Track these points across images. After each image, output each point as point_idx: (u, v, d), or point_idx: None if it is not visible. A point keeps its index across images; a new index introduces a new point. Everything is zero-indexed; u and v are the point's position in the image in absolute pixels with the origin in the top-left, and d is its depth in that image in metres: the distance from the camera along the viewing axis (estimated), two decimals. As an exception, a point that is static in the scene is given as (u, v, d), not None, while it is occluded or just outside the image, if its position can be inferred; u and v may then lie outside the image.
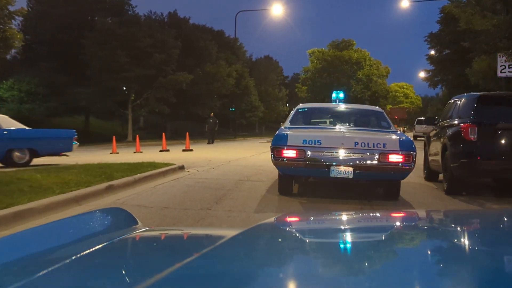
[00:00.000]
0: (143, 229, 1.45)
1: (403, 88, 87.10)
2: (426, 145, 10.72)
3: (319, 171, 6.99)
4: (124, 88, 37.06)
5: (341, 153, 6.86)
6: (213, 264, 1.02)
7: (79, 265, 1.10)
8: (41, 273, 0.99)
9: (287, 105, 75.05)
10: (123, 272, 1.09)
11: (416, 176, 11.36)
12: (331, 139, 7.06)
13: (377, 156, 6.77)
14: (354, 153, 6.84)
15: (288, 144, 6.94)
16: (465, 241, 1.28)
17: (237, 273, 0.97)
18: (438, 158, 9.08)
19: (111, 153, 19.63)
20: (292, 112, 8.99)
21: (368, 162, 6.81)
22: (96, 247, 1.21)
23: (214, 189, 8.33)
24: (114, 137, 21.13)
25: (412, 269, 1.01)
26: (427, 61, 34.81)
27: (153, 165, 10.65)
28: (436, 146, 9.50)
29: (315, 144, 6.90)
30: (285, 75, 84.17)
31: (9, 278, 1.01)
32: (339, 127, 8.12)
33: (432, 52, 60.87)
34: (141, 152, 19.77)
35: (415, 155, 6.88)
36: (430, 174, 10.38)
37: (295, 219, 1.87)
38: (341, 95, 12.01)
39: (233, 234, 1.28)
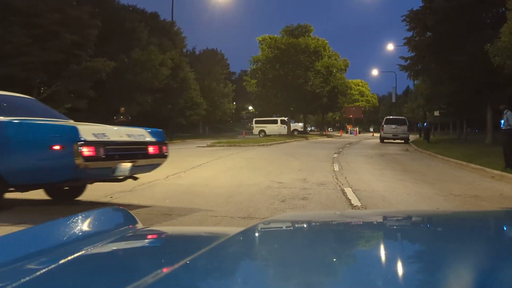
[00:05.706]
0: (143, 229, 1.45)
1: (359, 86, 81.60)
2: None
3: (107, 171, 6.04)
4: (35, 79, 29.50)
5: (126, 147, 6.27)
6: (213, 263, 1.03)
7: (78, 265, 1.11)
8: (39, 273, 0.99)
9: (234, 103, 68.15)
10: (123, 271, 1.07)
11: None
12: (111, 131, 6.23)
13: (144, 148, 6.53)
14: (132, 146, 6.37)
15: (85, 138, 5.55)
16: (463, 242, 1.25)
17: (236, 273, 0.98)
18: None
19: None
20: None
21: (141, 155, 6.49)
22: (96, 247, 1.22)
23: None
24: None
25: (412, 269, 1.01)
26: (405, 45, 28.46)
27: None
28: None
29: (103, 138, 5.86)
30: (232, 71, 77.68)
31: (7, 278, 0.98)
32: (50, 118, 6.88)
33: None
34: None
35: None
36: None
37: (298, 218, 1.85)
38: None
39: (233, 233, 1.27)
